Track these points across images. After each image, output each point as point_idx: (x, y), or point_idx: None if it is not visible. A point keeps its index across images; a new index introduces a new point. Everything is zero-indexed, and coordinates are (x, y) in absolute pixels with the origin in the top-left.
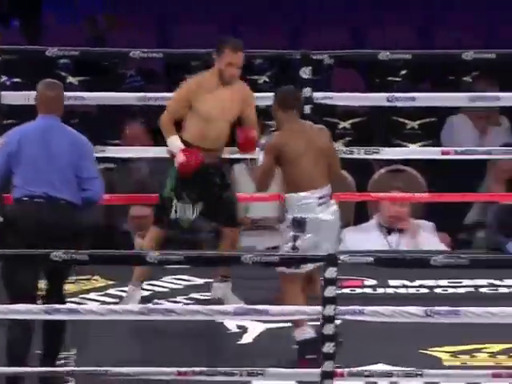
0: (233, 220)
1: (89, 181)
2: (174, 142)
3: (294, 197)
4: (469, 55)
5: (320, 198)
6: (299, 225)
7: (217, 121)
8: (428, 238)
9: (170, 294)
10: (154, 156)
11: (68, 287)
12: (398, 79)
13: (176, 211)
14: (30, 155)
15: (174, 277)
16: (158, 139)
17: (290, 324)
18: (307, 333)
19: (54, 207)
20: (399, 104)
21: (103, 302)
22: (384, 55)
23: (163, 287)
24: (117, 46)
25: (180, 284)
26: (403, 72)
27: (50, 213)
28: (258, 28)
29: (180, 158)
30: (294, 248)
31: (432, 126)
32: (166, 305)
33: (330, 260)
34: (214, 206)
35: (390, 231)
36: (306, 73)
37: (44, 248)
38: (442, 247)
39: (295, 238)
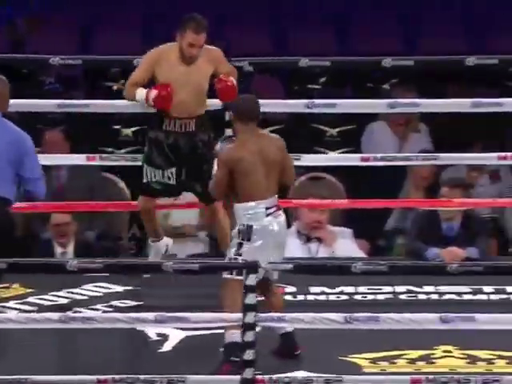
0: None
1: (32, 182)
2: (140, 92)
3: (242, 206)
4: (387, 62)
5: (267, 208)
6: (245, 233)
7: (179, 91)
8: (346, 245)
9: (90, 302)
10: (74, 163)
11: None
12: (317, 87)
13: (147, 175)
14: None
15: (93, 284)
16: (77, 147)
17: (210, 332)
18: (236, 336)
19: None
20: (318, 110)
21: (22, 311)
22: (303, 62)
23: (83, 295)
24: (37, 50)
25: (100, 292)
26: (323, 79)
27: None
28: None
29: (152, 94)
30: (237, 255)
31: (352, 133)
32: (86, 313)
33: (251, 267)
34: (191, 173)
35: (309, 239)
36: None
37: None
38: (361, 254)
39: (240, 246)
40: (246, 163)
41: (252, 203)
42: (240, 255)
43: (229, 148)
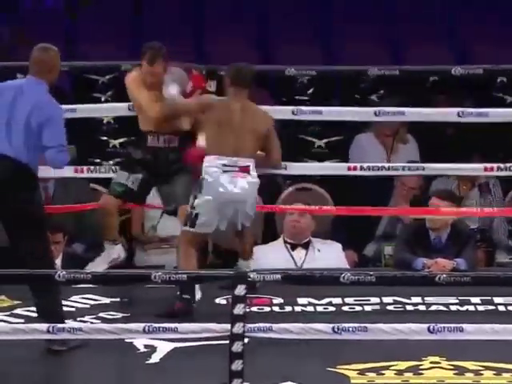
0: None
1: (49, 150)
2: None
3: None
4: (373, 71)
5: (226, 165)
6: (198, 184)
7: (146, 111)
8: (335, 259)
9: (78, 314)
10: (60, 176)
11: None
12: (305, 98)
13: (115, 176)
14: None
15: (81, 296)
16: None
17: (199, 343)
18: None
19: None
20: (305, 117)
21: (10, 323)
22: (290, 71)
23: (70, 306)
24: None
25: (87, 304)
26: (311, 91)
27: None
28: (167, 39)
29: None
30: (192, 208)
31: (339, 144)
32: (74, 323)
33: (239, 277)
34: (162, 184)
35: (294, 247)
36: (211, 87)
37: None
38: (346, 265)
39: (194, 198)
40: (217, 114)
41: (211, 157)
42: (194, 208)
43: (215, 98)
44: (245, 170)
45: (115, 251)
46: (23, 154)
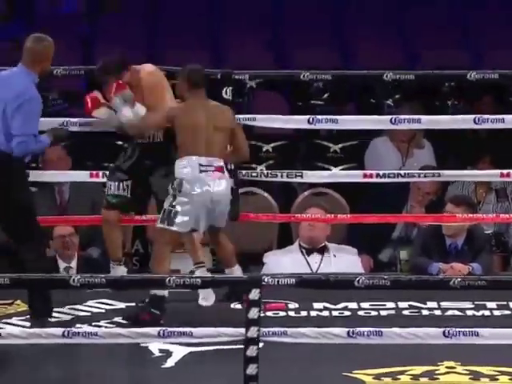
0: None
1: (13, 136)
2: None
3: (179, 161)
4: (389, 75)
5: (202, 165)
6: (178, 184)
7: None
8: (351, 264)
9: (93, 318)
10: (76, 180)
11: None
12: (321, 102)
13: (107, 188)
14: None
15: (96, 301)
16: (80, 162)
17: (214, 347)
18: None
19: None
20: (321, 126)
21: (25, 327)
22: (305, 75)
23: (86, 311)
24: None
25: (102, 308)
26: (326, 95)
27: None
28: (181, 45)
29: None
30: (171, 206)
31: (355, 149)
32: (89, 328)
33: (254, 282)
34: (140, 188)
35: (309, 252)
36: (227, 93)
37: None
38: (361, 270)
39: (174, 198)
40: (185, 119)
41: (186, 158)
42: (173, 207)
43: (177, 105)
44: (220, 169)
45: (119, 272)
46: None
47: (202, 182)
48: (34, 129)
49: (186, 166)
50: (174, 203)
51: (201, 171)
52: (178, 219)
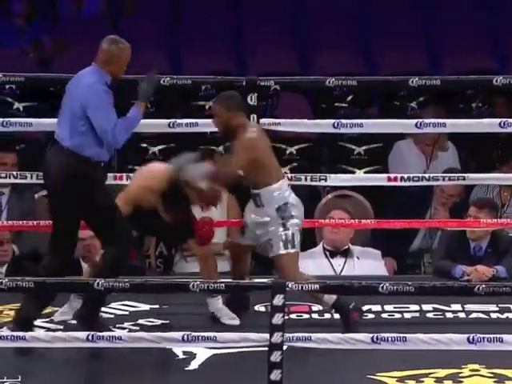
0: None
1: (100, 133)
2: None
3: (270, 189)
4: (415, 81)
5: (288, 185)
6: (284, 211)
7: None
8: (375, 267)
9: (117, 321)
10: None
11: (13, 314)
12: (344, 105)
13: None
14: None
15: (120, 303)
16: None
17: (238, 350)
18: (332, 297)
19: (55, 151)
20: (345, 130)
21: (49, 329)
22: (330, 81)
23: (110, 313)
24: (63, 70)
25: (126, 310)
26: (350, 98)
27: (51, 156)
28: (205, 53)
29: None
30: (286, 229)
31: (379, 151)
32: (113, 331)
33: (278, 287)
34: None
35: (333, 255)
36: (252, 99)
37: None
38: (385, 273)
39: (284, 225)
40: (265, 147)
41: (277, 183)
42: (288, 229)
43: (249, 137)
44: None
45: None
46: (67, 139)
47: (296, 199)
48: (112, 118)
49: (281, 191)
50: (288, 226)
51: (287, 190)
52: (297, 240)
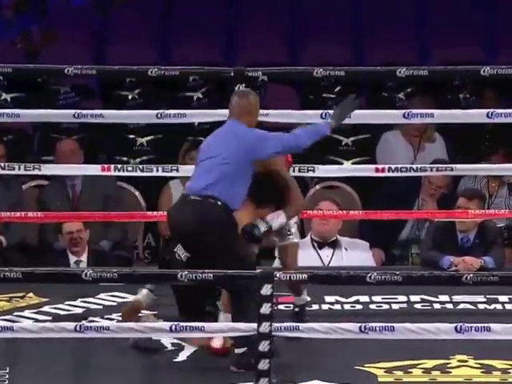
0: None
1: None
2: None
3: None
4: (402, 71)
5: None
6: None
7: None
8: (363, 258)
9: (105, 311)
10: (87, 174)
11: (1, 304)
12: (332, 96)
13: None
14: (200, 156)
15: (108, 294)
16: (92, 155)
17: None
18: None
19: (190, 203)
20: None
21: (37, 320)
22: (318, 72)
23: (98, 304)
24: (50, 61)
25: (114, 301)
26: (338, 89)
27: (182, 208)
28: (192, 44)
29: None
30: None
31: (366, 142)
32: (101, 322)
33: (266, 277)
34: None
35: (321, 246)
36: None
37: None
38: (373, 264)
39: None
40: None
41: None
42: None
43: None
44: None
45: None
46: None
47: None
48: (276, 142)
49: None
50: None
51: None
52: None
